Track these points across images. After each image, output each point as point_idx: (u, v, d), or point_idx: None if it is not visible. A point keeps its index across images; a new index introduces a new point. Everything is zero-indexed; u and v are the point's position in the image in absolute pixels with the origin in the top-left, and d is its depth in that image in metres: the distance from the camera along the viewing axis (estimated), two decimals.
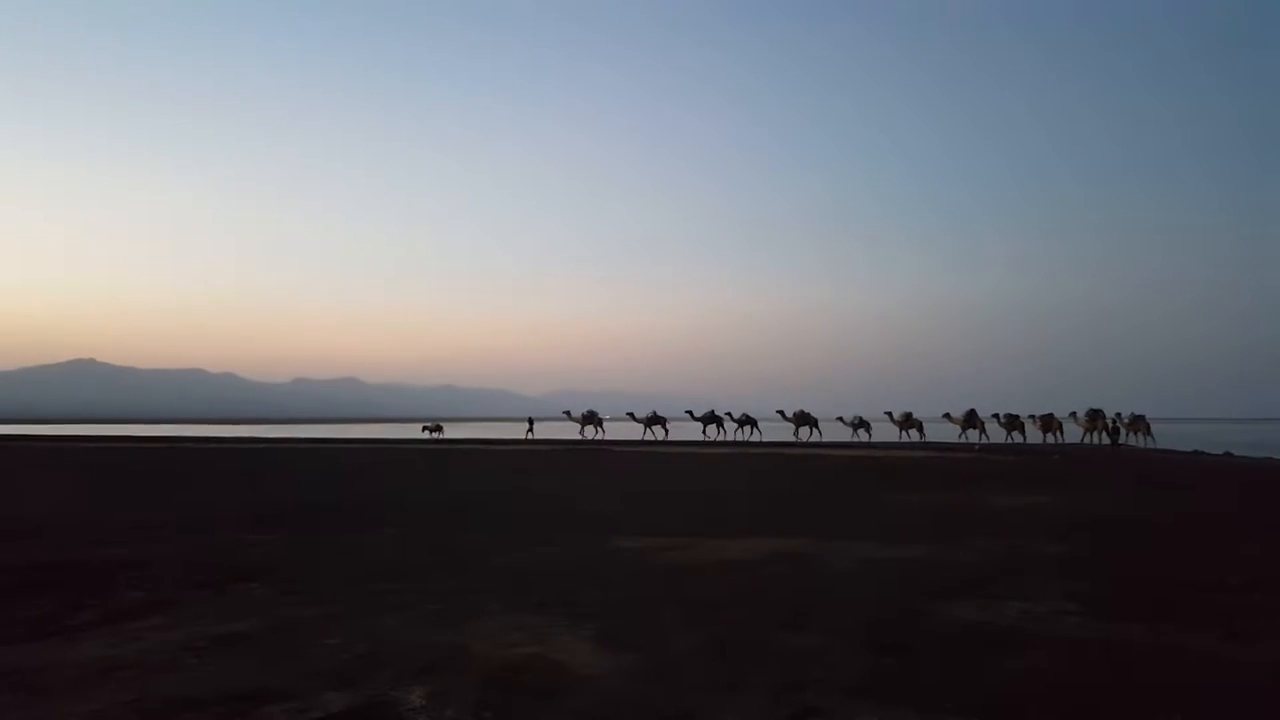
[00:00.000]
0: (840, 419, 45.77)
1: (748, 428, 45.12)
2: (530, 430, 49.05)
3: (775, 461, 26.45)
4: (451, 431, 52.10)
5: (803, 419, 43.75)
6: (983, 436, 40.24)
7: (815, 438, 42.93)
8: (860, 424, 43.69)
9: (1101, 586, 7.06)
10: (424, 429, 52.96)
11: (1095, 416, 38.67)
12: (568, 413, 49.00)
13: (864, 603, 6.38)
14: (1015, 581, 7.20)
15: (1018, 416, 40.66)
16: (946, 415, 42.81)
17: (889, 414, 43.75)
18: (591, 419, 46.44)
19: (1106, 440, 38.08)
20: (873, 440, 41.40)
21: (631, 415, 47.63)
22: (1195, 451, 33.25)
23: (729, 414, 46.00)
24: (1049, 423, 39.52)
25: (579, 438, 44.25)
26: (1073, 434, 39.69)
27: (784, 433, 45.78)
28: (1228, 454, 31.39)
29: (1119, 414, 38.89)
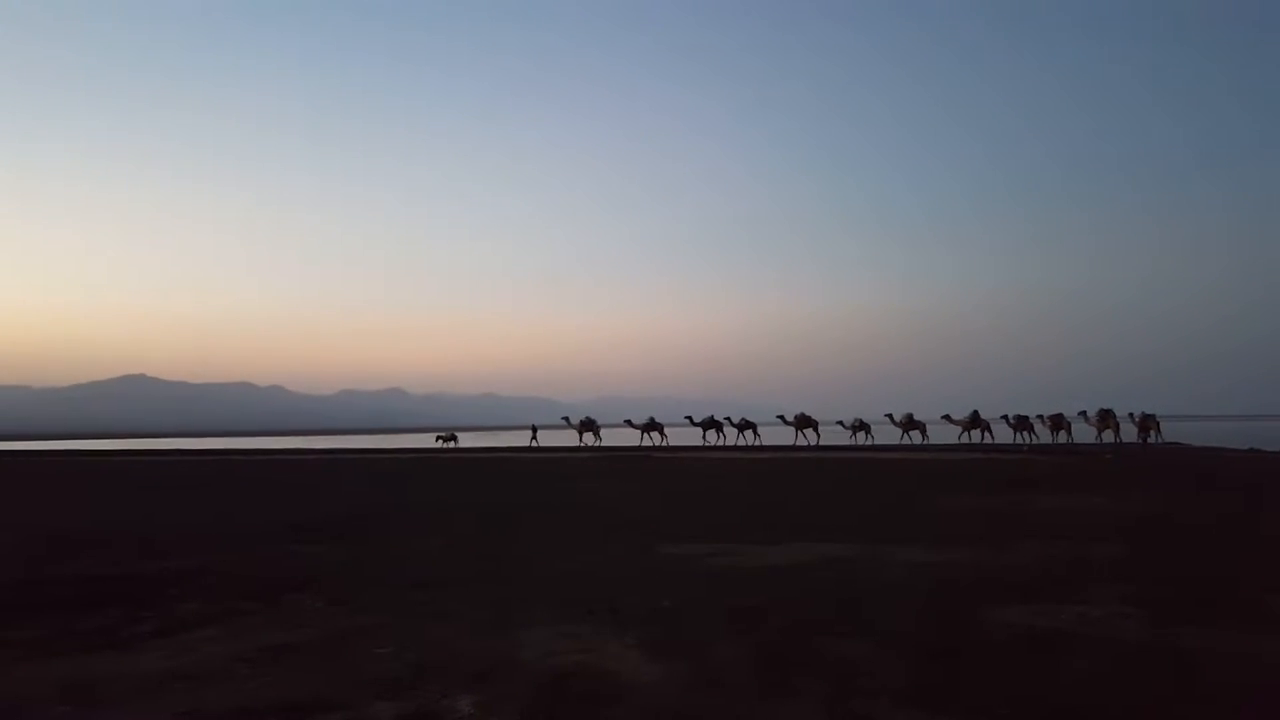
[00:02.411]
0: (840, 422, 45.49)
1: (748, 432, 45.16)
2: (534, 439, 49.48)
3: (813, 466, 26.24)
4: (494, 440, 52.24)
5: (804, 422, 43.73)
6: (986, 437, 39.83)
7: (816, 441, 42.87)
8: (860, 426, 43.43)
9: (1160, 589, 6.87)
10: (437, 438, 53.25)
11: (1106, 416, 38.02)
12: (566, 419, 50.13)
13: (913, 608, 6.29)
14: (1069, 585, 7.05)
15: (1026, 417, 40.01)
16: (946, 417, 42.35)
17: (889, 416, 43.33)
18: (589, 426, 47.21)
19: (1115, 439, 37.50)
20: (875, 443, 41.21)
21: (629, 422, 48.62)
22: (1251, 449, 32.37)
23: (728, 418, 46.05)
24: (1059, 422, 38.79)
25: (628, 445, 44.59)
26: (1082, 434, 38.91)
27: (784, 436, 45.61)
28: None
29: (1131, 413, 38.27)
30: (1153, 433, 36.86)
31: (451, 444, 51.11)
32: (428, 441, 60.94)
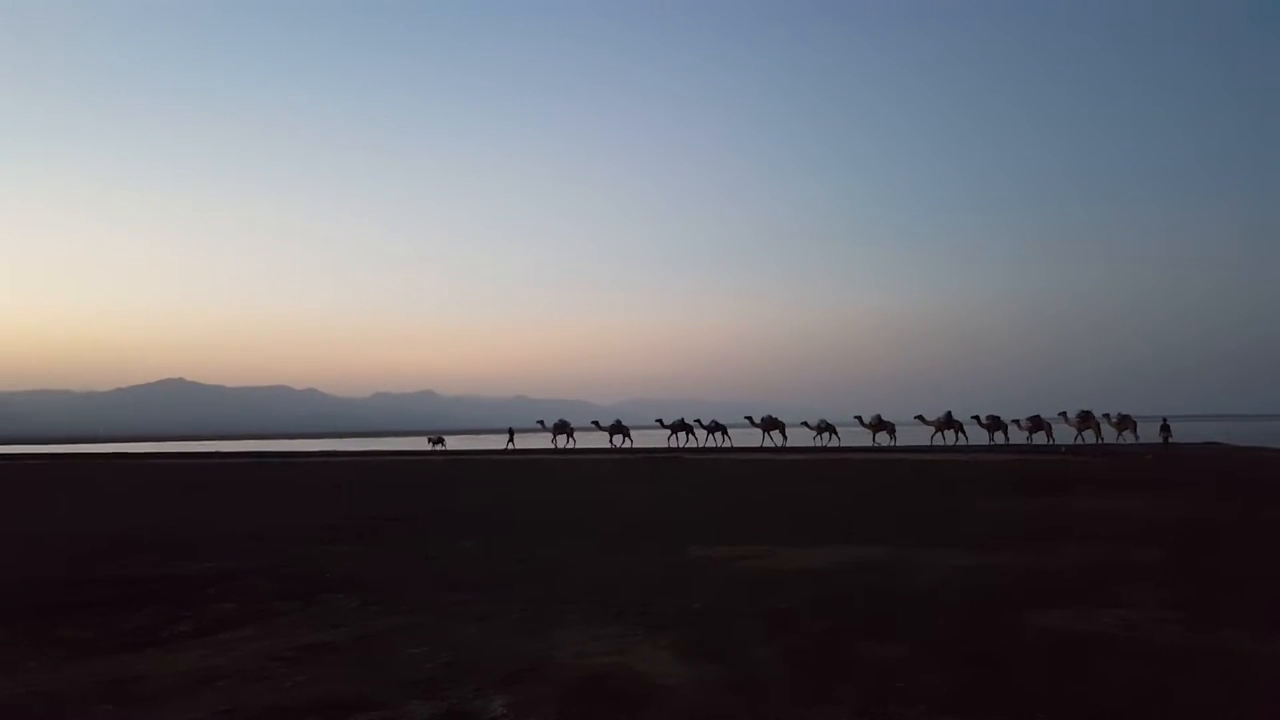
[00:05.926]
0: (805, 423, 45.34)
1: (718, 434, 45.27)
2: (511, 441, 49.79)
3: (842, 468, 26.03)
4: (524, 442, 52.31)
5: (770, 424, 43.77)
6: (960, 438, 39.75)
7: (782, 442, 42.91)
8: (825, 428, 43.36)
9: (1203, 592, 6.74)
10: (429, 440, 53.59)
11: (1086, 417, 37.68)
12: (541, 422, 50.93)
13: (950, 612, 6.21)
14: (1110, 588, 6.93)
15: (999, 418, 39.81)
16: (919, 417, 42.12)
17: (858, 418, 43.21)
18: (563, 429, 47.85)
19: (1096, 439, 37.28)
20: (843, 443, 41.20)
21: (597, 424, 49.54)
22: None
23: (698, 421, 46.32)
24: (1037, 423, 38.43)
25: (640, 446, 44.81)
26: (1062, 435, 38.48)
27: (752, 438, 45.72)
28: None
29: (1107, 414, 37.92)
30: (1129, 433, 36.72)
31: (440, 446, 51.31)
32: (456, 443, 61.52)
